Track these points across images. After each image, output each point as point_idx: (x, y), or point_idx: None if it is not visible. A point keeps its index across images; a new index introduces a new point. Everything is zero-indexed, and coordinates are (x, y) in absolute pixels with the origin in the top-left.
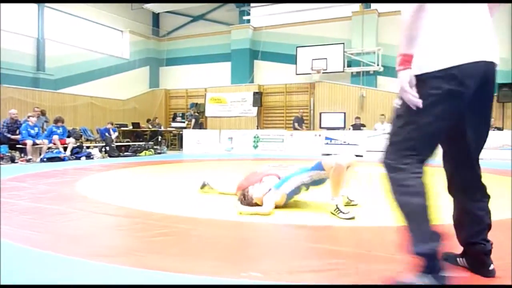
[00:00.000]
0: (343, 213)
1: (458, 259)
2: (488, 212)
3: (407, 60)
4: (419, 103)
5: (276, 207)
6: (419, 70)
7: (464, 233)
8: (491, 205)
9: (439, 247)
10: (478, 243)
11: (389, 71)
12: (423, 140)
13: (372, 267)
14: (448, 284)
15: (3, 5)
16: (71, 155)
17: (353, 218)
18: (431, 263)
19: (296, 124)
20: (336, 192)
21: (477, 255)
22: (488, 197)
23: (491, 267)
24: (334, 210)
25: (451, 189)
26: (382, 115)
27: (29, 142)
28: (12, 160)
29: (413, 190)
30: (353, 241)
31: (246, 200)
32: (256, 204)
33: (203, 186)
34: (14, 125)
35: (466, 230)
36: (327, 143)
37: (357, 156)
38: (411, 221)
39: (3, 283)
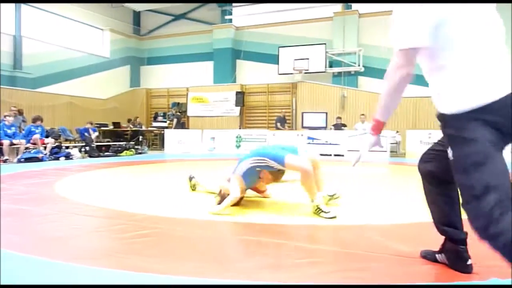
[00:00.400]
0: (325, 212)
1: (437, 255)
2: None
3: (379, 128)
4: (354, 165)
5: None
6: (455, 108)
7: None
8: None
9: None
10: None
11: (370, 72)
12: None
13: (356, 266)
14: (445, 284)
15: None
16: (50, 155)
17: (335, 217)
18: None
19: (278, 124)
20: (313, 195)
21: (455, 247)
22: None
23: (469, 262)
24: (316, 210)
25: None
26: (363, 114)
27: (5, 142)
28: None
29: None
30: (335, 240)
31: (222, 198)
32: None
33: (190, 179)
34: None
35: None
36: (309, 143)
37: (337, 155)
38: None
39: (3, 283)
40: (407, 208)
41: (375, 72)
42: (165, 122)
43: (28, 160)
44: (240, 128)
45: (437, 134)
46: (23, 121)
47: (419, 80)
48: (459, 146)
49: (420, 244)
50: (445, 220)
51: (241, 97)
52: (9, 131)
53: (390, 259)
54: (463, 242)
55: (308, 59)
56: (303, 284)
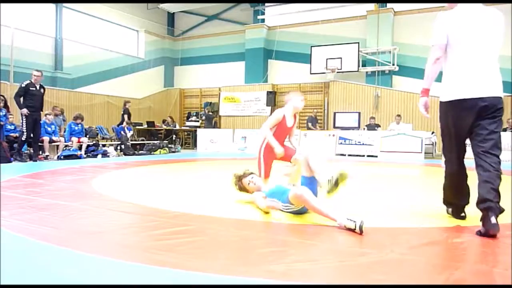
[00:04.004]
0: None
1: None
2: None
3: (424, 92)
4: (426, 115)
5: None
6: (441, 98)
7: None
8: None
9: None
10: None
11: (405, 71)
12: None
13: (388, 269)
14: (449, 284)
15: (22, 6)
16: (85, 153)
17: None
18: None
19: (309, 124)
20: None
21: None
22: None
23: (493, 220)
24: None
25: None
26: (398, 115)
27: (46, 139)
28: (31, 157)
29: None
30: (367, 242)
31: (240, 183)
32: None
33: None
34: None
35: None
36: (341, 143)
37: (371, 156)
38: None
39: (3, 283)
40: (440, 211)
41: (410, 71)
42: (198, 121)
43: (67, 157)
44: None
45: None
46: (63, 120)
47: None
48: None
49: (453, 249)
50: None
51: (272, 97)
52: (49, 129)
53: (424, 264)
54: (491, 209)
55: (341, 58)
56: (304, 284)
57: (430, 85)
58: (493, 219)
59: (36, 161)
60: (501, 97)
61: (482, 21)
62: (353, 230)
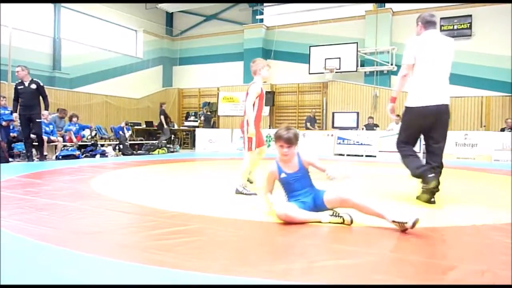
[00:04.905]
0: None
1: None
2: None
3: (391, 99)
4: (392, 116)
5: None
6: (406, 104)
7: None
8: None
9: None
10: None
11: None
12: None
13: (386, 269)
14: (448, 284)
15: (21, 5)
16: (85, 152)
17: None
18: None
19: (308, 124)
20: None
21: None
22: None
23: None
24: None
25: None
26: (397, 115)
27: (44, 138)
28: (28, 157)
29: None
30: (366, 240)
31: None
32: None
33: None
34: None
35: None
36: (339, 143)
37: (369, 156)
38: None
39: (3, 283)
40: (439, 211)
41: None
42: (196, 121)
43: (66, 157)
44: (270, 128)
45: (474, 135)
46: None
47: (454, 80)
48: None
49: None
50: None
51: (270, 97)
52: (47, 129)
53: (423, 263)
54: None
55: (339, 58)
56: (304, 284)
57: (397, 94)
58: (431, 176)
59: (33, 161)
60: (448, 104)
61: (439, 46)
62: (341, 223)
